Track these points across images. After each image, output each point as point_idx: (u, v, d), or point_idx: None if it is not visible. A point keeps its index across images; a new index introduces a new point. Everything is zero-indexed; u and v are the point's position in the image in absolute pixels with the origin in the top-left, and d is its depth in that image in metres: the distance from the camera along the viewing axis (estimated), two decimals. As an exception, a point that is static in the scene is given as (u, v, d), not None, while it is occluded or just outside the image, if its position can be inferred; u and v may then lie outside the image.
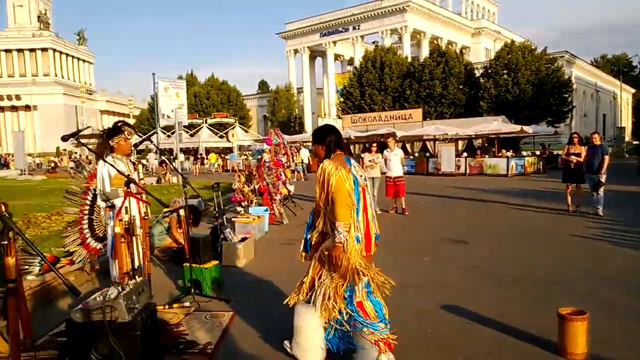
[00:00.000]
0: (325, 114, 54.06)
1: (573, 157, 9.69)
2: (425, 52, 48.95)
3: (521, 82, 33.32)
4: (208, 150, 40.63)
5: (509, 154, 23.41)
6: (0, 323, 4.02)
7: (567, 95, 35.27)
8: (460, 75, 35.58)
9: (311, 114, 57.48)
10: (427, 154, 26.39)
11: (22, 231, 1.89)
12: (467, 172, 22.90)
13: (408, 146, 28.86)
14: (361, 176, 3.32)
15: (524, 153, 26.33)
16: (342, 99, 43.18)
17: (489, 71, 35.79)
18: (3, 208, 1.90)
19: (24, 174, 28.24)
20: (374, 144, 11.24)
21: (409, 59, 41.95)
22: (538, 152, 27.06)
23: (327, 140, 3.30)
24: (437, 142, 26.83)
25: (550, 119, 34.55)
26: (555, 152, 26.65)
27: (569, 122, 39.84)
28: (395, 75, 37.56)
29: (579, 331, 3.31)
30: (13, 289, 2.07)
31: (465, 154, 24.73)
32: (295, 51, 60.12)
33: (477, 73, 38.27)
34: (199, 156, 36.86)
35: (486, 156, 23.77)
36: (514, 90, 33.52)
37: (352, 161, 3.34)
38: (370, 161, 10.60)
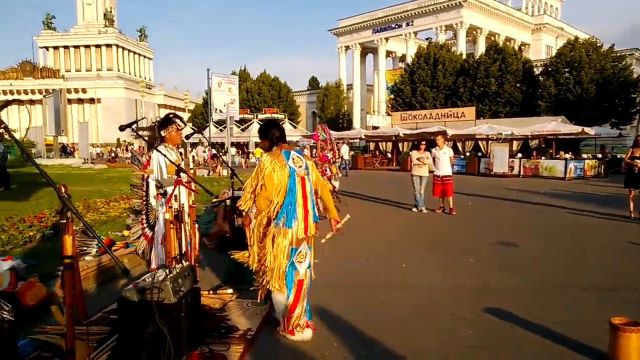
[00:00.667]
0: (374, 111, 53.74)
1: (638, 160, 9.23)
2: (481, 48, 47.63)
3: (584, 80, 31.76)
4: (257, 145, 41.39)
5: (568, 156, 22.44)
6: (59, 299, 4.33)
7: (635, 96, 33.33)
8: (517, 73, 34.36)
9: (360, 110, 57.29)
10: (479, 154, 25.74)
11: (79, 212, 2.06)
12: (521, 173, 22.18)
13: (459, 145, 28.26)
14: (300, 167, 3.68)
15: (584, 155, 25.18)
16: (392, 96, 42.72)
17: (549, 69, 34.33)
18: (63, 190, 2.07)
19: (87, 162, 29.86)
20: (423, 142, 11.11)
21: (464, 56, 40.91)
22: (600, 155, 25.79)
23: (270, 134, 3.71)
24: (490, 141, 26.11)
25: (614, 121, 32.79)
26: (618, 156, 25.30)
27: (636, 124, 37.62)
28: (449, 73, 36.77)
29: (632, 343, 3.16)
30: (70, 264, 2.25)
31: (519, 155, 23.95)
32: (347, 48, 60.02)
33: (537, 71, 36.82)
34: (246, 151, 37.70)
35: (542, 158, 22.92)
36: (576, 90, 32.02)
37: (293, 153, 3.71)
38: (418, 159, 10.50)
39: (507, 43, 46.99)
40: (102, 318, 3.98)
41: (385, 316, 4.17)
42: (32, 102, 67.17)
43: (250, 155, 36.75)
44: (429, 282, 5.22)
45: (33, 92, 65.44)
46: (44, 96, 34.50)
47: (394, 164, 31.13)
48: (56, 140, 32.41)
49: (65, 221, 2.19)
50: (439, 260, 6.26)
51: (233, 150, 34.54)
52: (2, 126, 2.10)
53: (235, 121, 33.97)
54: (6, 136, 16.87)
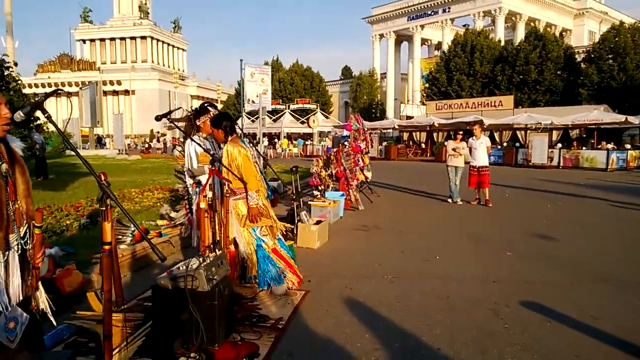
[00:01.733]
0: (408, 100, 53.00)
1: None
2: (520, 35, 46.13)
3: (629, 67, 30.40)
4: (289, 136, 41.61)
5: (610, 146, 21.63)
6: (96, 285, 4.42)
7: (683, 82, 31.73)
8: (558, 60, 33.22)
9: (393, 100, 56.64)
10: (517, 144, 25.09)
11: (118, 200, 2.07)
12: (561, 164, 21.53)
13: (496, 135, 27.63)
14: (252, 154, 4.24)
15: (627, 146, 24.21)
16: (427, 85, 42.07)
17: (592, 56, 33.01)
18: (103, 177, 2.09)
19: (122, 153, 30.64)
20: (459, 132, 10.87)
21: (502, 43, 39.79)
22: (643, 145, 24.75)
23: (224, 125, 4.09)
24: (528, 131, 25.44)
25: (660, 109, 31.37)
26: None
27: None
28: (486, 60, 35.87)
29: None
30: (108, 250, 2.27)
31: (559, 145, 23.23)
32: (381, 36, 59.27)
33: (578, 58, 35.51)
34: (273, 142, 38.02)
35: (583, 148, 22.18)
36: (620, 77, 30.71)
37: (246, 141, 4.41)
38: (453, 149, 10.29)
39: (548, 29, 45.42)
40: (136, 305, 4.04)
41: (419, 308, 4.09)
42: (69, 94, 69.40)
43: (277, 145, 36.97)
44: (465, 275, 5.10)
45: (70, 84, 67.33)
46: (81, 88, 35.49)
47: (428, 154, 30.72)
48: (92, 132, 33.34)
49: (104, 208, 2.22)
50: (474, 253, 6.12)
51: (266, 141, 34.85)
52: (46, 115, 2.13)
53: (268, 112, 34.12)
54: (45, 127, 17.46)
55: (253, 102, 31.50)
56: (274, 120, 42.76)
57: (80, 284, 4.31)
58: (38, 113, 2.03)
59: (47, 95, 2.28)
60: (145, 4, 76.50)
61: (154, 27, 76.35)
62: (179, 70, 77.68)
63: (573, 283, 4.85)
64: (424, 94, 42.82)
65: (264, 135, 32.14)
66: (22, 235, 2.14)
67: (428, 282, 4.83)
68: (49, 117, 2.21)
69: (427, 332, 3.58)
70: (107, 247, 2.27)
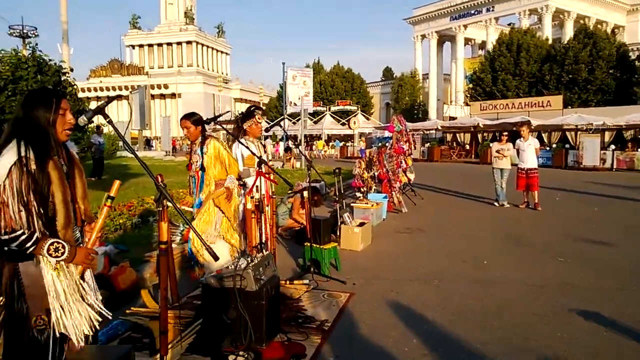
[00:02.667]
0: (451, 101, 52.10)
1: None
2: (569, 33, 44.50)
3: (687, 64, 28.87)
4: (329, 138, 41.69)
5: (667, 147, 20.58)
6: (146, 284, 4.58)
7: None
8: (610, 59, 31.83)
9: (436, 101, 55.79)
10: (567, 146, 24.21)
11: (174, 201, 2.16)
12: (614, 166, 20.63)
13: (544, 136, 26.72)
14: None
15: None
16: (471, 85, 41.22)
17: (647, 53, 31.54)
18: (160, 179, 2.17)
19: (169, 154, 31.56)
20: (505, 133, 10.61)
21: (550, 41, 38.51)
22: None
23: (202, 123, 4.29)
24: (579, 132, 24.51)
25: None
26: None
27: None
28: (533, 59, 34.79)
29: None
30: (165, 250, 2.36)
31: (612, 147, 22.26)
32: (423, 36, 58.51)
33: (632, 55, 33.91)
34: (310, 143, 38.21)
35: (639, 150, 21.17)
36: (677, 75, 29.18)
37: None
38: (497, 151, 10.05)
39: (599, 26, 43.63)
40: (186, 303, 4.16)
41: (466, 313, 4.03)
42: (120, 97, 71.82)
43: (314, 146, 37.07)
44: (512, 279, 4.99)
45: (120, 88, 69.67)
46: (130, 92, 36.75)
47: (473, 156, 30.10)
48: (141, 134, 34.45)
49: (161, 209, 2.30)
50: (522, 257, 5.96)
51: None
52: (107, 120, 2.23)
53: (309, 114, 34.33)
54: (105, 130, 18.19)
55: (295, 104, 31.76)
56: (315, 122, 42.96)
57: (134, 281, 4.48)
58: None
59: (108, 101, 2.39)
60: (191, 10, 78.46)
61: (199, 32, 78.18)
62: (222, 73, 79.23)
63: (624, 290, 4.65)
64: (468, 95, 41.98)
65: (305, 137, 32.33)
66: (78, 235, 2.24)
67: (473, 286, 4.75)
68: (110, 122, 2.32)
69: (474, 337, 3.52)
70: (163, 246, 2.36)
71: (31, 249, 1.97)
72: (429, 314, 3.97)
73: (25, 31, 34.89)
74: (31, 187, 1.96)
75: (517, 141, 10.03)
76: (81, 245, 2.24)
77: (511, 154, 10.06)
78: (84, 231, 2.31)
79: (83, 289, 2.14)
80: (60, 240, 2.01)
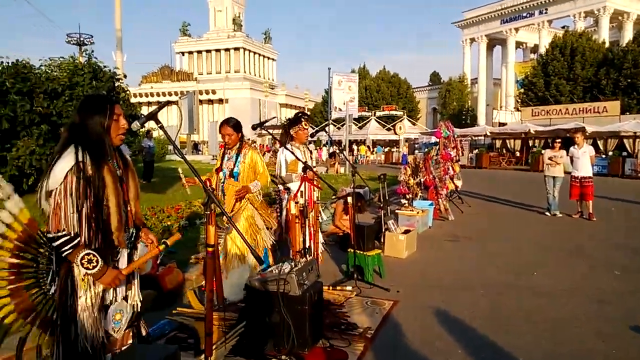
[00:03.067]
0: (501, 106, 50.73)
1: None
2: (628, 35, 42.45)
3: None
4: (374, 143, 41.42)
5: None
6: (188, 286, 4.68)
7: None
8: (672, 62, 30.14)
9: (485, 106, 54.47)
10: (624, 153, 23.06)
11: (221, 204, 2.19)
12: (676, 175, 19.50)
13: (600, 143, 25.55)
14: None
15: None
16: (522, 90, 40.01)
17: None
18: (208, 183, 2.22)
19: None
20: (558, 140, 10.22)
21: (607, 44, 36.88)
22: None
23: (241, 129, 4.30)
24: (637, 139, 23.32)
25: None
26: None
27: None
28: (589, 63, 33.39)
29: None
30: (212, 253, 2.40)
31: (674, 155, 21.05)
32: (472, 40, 57.29)
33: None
34: (351, 148, 38.06)
35: (702, 158, 19.93)
36: None
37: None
38: (550, 159, 9.69)
39: (661, 28, 41.42)
40: (230, 305, 4.22)
41: (514, 325, 3.89)
42: (169, 103, 74.04)
43: (355, 152, 36.90)
44: (564, 292, 4.78)
45: (170, 94, 71.83)
46: (180, 98, 37.88)
47: (523, 163, 29.18)
48: (189, 138, 35.42)
49: (209, 212, 2.34)
50: (574, 269, 5.71)
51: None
52: (159, 125, 2.30)
53: (354, 119, 34.28)
54: (154, 134, 18.80)
55: (340, 109, 31.84)
56: (360, 128, 42.85)
57: (180, 282, 4.59)
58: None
59: (160, 107, 2.45)
60: (239, 17, 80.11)
61: (246, 38, 79.71)
62: (269, 79, 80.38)
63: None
64: (519, 100, 40.75)
65: (350, 142, 32.29)
66: (130, 236, 2.31)
67: (524, 298, 4.58)
68: (161, 127, 2.38)
69: (522, 351, 3.39)
70: (210, 249, 2.40)
71: (67, 253, 2.04)
72: (475, 325, 3.87)
73: (81, 39, 36.71)
74: (86, 191, 2.04)
75: (571, 148, 9.64)
76: (138, 245, 2.32)
77: (564, 162, 9.68)
78: (142, 233, 2.38)
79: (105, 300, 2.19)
80: (97, 255, 2.06)
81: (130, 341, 2.32)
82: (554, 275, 5.40)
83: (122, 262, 2.26)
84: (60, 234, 2.01)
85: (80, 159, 2.06)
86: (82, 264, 2.04)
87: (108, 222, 2.13)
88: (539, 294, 4.71)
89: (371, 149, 39.84)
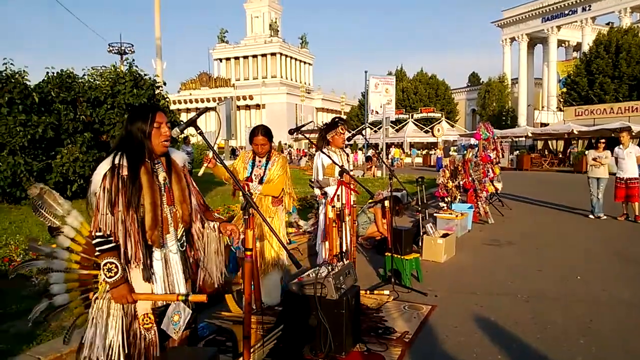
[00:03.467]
0: (542, 107, 49.31)
1: None
2: (677, 30, 40.62)
3: None
4: (413, 145, 41.01)
5: None
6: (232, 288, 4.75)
7: None
8: None
9: (526, 106, 53.07)
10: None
11: (259, 209, 2.23)
12: None
13: (647, 143, 24.54)
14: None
15: None
16: (564, 90, 38.81)
17: None
18: (247, 188, 2.26)
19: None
20: (602, 140, 9.87)
21: (655, 41, 35.34)
22: None
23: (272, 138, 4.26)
24: (686, 138, 22.23)
25: None
26: None
27: None
28: (635, 61, 32.05)
29: None
30: (250, 256, 2.45)
31: None
32: (512, 39, 55.96)
33: None
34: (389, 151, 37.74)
35: None
36: None
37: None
38: (594, 159, 9.36)
39: None
40: (268, 308, 4.27)
41: (559, 332, 3.77)
42: (208, 110, 75.45)
43: (389, 155, 36.53)
44: (611, 298, 4.60)
45: (208, 100, 73.20)
46: (217, 104, 38.58)
47: (566, 164, 28.28)
48: (227, 144, 35.92)
49: (247, 217, 2.38)
50: (622, 274, 5.49)
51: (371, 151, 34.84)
52: (198, 132, 2.37)
53: (391, 122, 34.06)
54: (192, 141, 19.22)
55: (377, 112, 31.65)
56: (397, 130, 42.53)
57: (218, 286, 4.66)
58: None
59: (199, 114, 2.52)
60: (276, 22, 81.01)
61: (282, 43, 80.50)
62: (305, 83, 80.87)
63: None
64: (561, 99, 39.54)
65: (387, 145, 32.10)
66: (178, 237, 2.36)
67: (568, 304, 4.44)
68: (200, 133, 2.45)
69: (561, 357, 3.29)
70: (248, 253, 2.44)
71: (97, 254, 2.16)
72: (516, 331, 3.77)
73: (122, 48, 37.96)
74: (121, 191, 2.13)
75: (616, 149, 9.29)
76: (183, 247, 2.37)
77: (609, 162, 9.34)
78: (221, 227, 2.45)
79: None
80: (118, 265, 2.13)
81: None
82: (599, 280, 5.21)
83: (172, 263, 2.31)
84: (97, 234, 2.13)
85: (116, 161, 2.17)
86: (103, 269, 2.13)
87: (143, 221, 2.20)
88: (583, 301, 4.55)
89: (406, 152, 39.40)
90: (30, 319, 2.23)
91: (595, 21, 49.16)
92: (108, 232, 2.12)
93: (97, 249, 2.14)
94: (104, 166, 2.17)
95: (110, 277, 2.12)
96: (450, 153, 28.65)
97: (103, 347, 2.17)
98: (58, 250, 2.26)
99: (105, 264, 2.12)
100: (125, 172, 2.15)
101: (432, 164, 33.45)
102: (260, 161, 4.25)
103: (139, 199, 2.17)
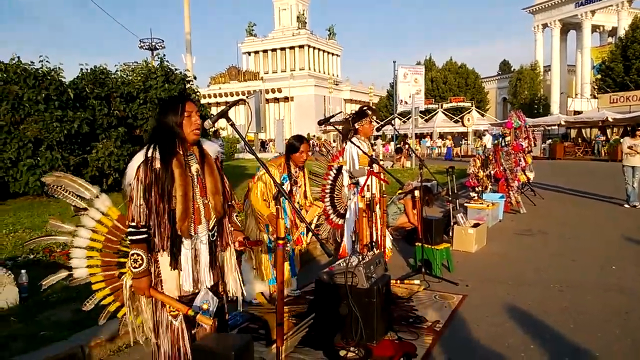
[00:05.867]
0: (576, 94, 47.87)
1: None
2: None
3: None
4: (442, 135, 40.45)
5: None
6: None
7: None
8: None
9: (559, 94, 51.62)
10: None
11: (290, 199, 2.26)
12: None
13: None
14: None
15: None
16: (599, 76, 37.62)
17: None
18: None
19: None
20: (638, 128, 9.56)
21: (696, 23, 33.87)
22: None
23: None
24: None
25: None
26: None
27: None
28: (674, 45, 30.88)
29: None
30: (282, 245, 2.50)
31: None
32: (544, 26, 54.38)
33: None
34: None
35: None
36: None
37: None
38: (630, 147, 9.09)
39: None
40: (300, 297, 4.33)
41: (593, 322, 3.71)
42: (238, 102, 76.04)
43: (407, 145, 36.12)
44: (650, 290, 4.49)
45: (237, 94, 73.57)
46: (247, 97, 38.82)
47: (603, 153, 27.47)
48: (256, 137, 36.20)
49: (278, 207, 2.43)
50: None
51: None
52: (230, 123, 2.41)
53: (420, 112, 33.64)
54: (223, 134, 19.47)
55: (406, 102, 31.38)
56: (426, 120, 42.03)
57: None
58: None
59: (230, 105, 2.57)
60: (303, 14, 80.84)
61: (310, 35, 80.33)
62: (333, 75, 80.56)
63: None
64: (596, 86, 38.36)
65: (416, 135, 31.74)
66: (210, 227, 2.39)
67: (603, 294, 4.36)
68: (232, 124, 2.49)
69: (603, 348, 3.24)
70: (280, 241, 2.49)
71: (129, 243, 2.24)
72: (551, 322, 3.73)
73: (153, 43, 38.55)
74: (154, 183, 2.19)
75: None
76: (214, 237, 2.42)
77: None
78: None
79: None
80: (144, 258, 2.20)
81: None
82: (634, 270, 5.08)
83: (201, 253, 2.34)
84: (131, 224, 2.20)
85: (149, 154, 2.23)
86: (130, 259, 2.22)
87: (174, 212, 2.24)
88: (618, 290, 4.46)
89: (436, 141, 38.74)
90: (44, 286, 2.35)
91: (632, 4, 47.30)
92: (142, 223, 2.19)
93: (128, 238, 2.22)
94: (138, 159, 2.23)
95: (135, 267, 2.19)
96: (482, 142, 28.14)
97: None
98: (81, 228, 2.34)
99: (132, 254, 2.20)
100: (157, 165, 2.20)
101: (463, 153, 32.94)
102: (297, 173, 4.13)
103: (171, 190, 2.21)
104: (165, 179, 2.20)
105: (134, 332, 2.40)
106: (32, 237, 5.20)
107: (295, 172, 4.11)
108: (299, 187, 4.13)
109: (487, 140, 24.67)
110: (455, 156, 31.15)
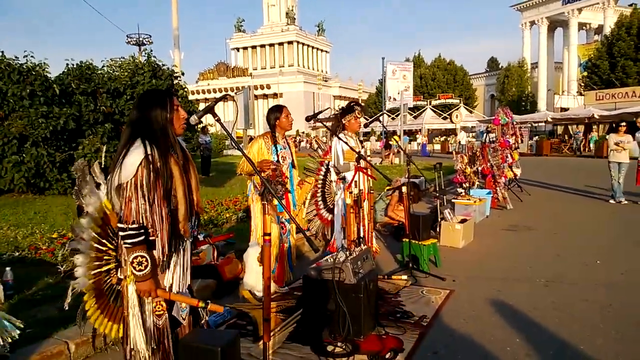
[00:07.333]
0: (563, 91, 48.34)
1: None
2: (703, 10, 39.30)
3: None
4: (430, 132, 40.63)
5: None
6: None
7: None
8: None
9: (546, 91, 52.07)
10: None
11: (278, 195, 2.26)
12: None
13: (671, 127, 23.94)
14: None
15: None
16: (585, 73, 38.00)
17: None
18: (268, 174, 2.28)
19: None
20: (623, 124, 9.69)
21: (680, 21, 34.29)
22: None
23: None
24: None
25: None
26: None
27: None
28: (659, 42, 31.27)
29: None
30: (269, 241, 2.50)
31: None
32: (532, 23, 54.80)
33: None
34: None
35: None
36: None
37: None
38: (616, 144, 9.21)
39: None
40: (288, 293, 4.34)
41: (579, 316, 3.76)
42: (226, 98, 75.65)
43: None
44: (632, 283, 4.56)
45: (226, 90, 72.93)
46: (235, 93, 38.62)
47: (587, 149, 27.81)
48: (245, 133, 36.06)
49: (265, 202, 2.42)
50: (644, 260, 5.43)
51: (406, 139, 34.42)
52: (216, 119, 2.40)
53: (409, 108, 33.70)
54: (211, 130, 19.37)
55: (394, 99, 31.40)
56: (415, 117, 42.15)
57: (239, 272, 4.75)
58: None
59: (216, 101, 2.55)
60: (292, 10, 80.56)
61: (299, 31, 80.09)
62: (322, 71, 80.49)
63: None
64: (582, 84, 38.78)
65: (404, 132, 31.81)
66: (193, 224, 2.37)
67: (588, 289, 4.42)
68: (218, 120, 2.48)
69: (587, 342, 3.28)
70: (267, 237, 2.49)
71: (127, 246, 2.12)
72: (537, 316, 3.77)
73: (140, 39, 38.17)
74: (156, 182, 2.12)
75: (637, 133, 9.12)
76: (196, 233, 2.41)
77: (631, 147, 9.19)
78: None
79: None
80: (149, 259, 2.12)
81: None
82: (619, 265, 5.16)
83: (187, 250, 2.34)
84: (130, 225, 2.08)
85: (149, 152, 2.12)
86: (132, 262, 2.11)
87: (176, 212, 2.21)
88: (603, 285, 4.52)
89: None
90: (65, 305, 2.31)
91: (618, 2, 47.83)
92: (148, 225, 2.11)
93: (129, 241, 2.09)
94: (137, 156, 2.11)
95: (140, 270, 2.10)
96: (467, 138, 28.33)
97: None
98: (85, 231, 2.26)
99: (136, 257, 2.09)
100: (158, 163, 2.13)
101: (449, 150, 33.10)
102: (285, 144, 4.21)
103: (171, 189, 2.17)
104: (167, 178, 2.15)
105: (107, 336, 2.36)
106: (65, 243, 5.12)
107: (284, 142, 4.19)
108: (286, 157, 4.16)
109: (462, 137, 24.83)
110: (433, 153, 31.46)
